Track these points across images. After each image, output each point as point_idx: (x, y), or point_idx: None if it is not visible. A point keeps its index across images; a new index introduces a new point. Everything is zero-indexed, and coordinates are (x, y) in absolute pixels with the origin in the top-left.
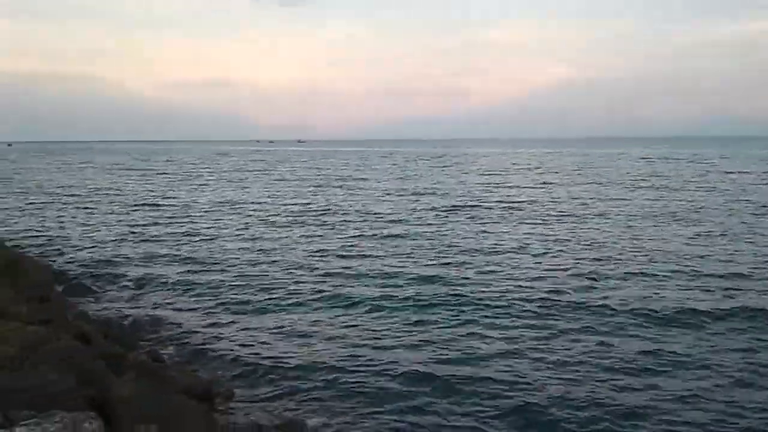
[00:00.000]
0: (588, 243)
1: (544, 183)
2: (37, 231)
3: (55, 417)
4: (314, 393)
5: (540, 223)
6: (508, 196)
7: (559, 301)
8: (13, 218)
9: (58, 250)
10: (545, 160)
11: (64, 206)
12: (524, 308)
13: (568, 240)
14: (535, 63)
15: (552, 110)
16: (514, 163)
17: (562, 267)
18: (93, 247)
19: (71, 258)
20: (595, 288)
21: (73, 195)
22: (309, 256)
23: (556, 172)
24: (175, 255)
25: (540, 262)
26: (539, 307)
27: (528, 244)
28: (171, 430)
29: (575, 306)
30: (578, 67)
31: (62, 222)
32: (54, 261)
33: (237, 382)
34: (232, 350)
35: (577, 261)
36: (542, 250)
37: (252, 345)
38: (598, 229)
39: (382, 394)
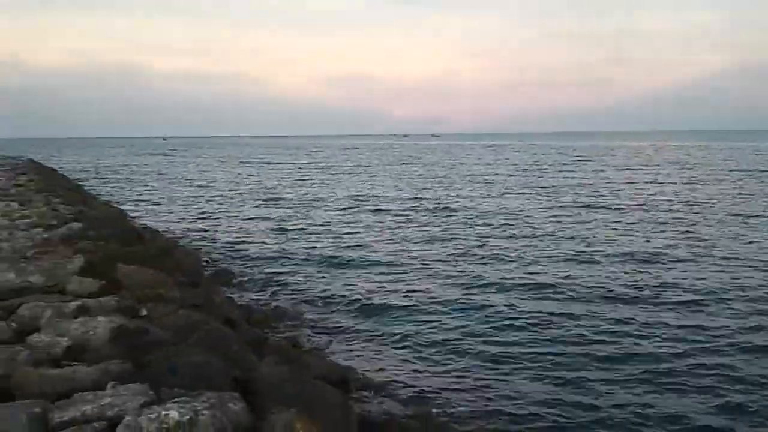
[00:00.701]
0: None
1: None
2: (187, 221)
3: (202, 396)
4: (446, 392)
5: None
6: (654, 194)
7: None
8: (165, 209)
9: (206, 238)
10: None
11: (212, 198)
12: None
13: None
14: (688, 50)
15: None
16: (665, 159)
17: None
18: (237, 236)
19: (218, 246)
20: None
21: (217, 187)
22: (447, 254)
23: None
24: (314, 248)
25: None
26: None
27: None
28: (309, 414)
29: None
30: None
31: (210, 213)
32: (201, 248)
33: (372, 372)
34: (369, 342)
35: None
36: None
37: (389, 339)
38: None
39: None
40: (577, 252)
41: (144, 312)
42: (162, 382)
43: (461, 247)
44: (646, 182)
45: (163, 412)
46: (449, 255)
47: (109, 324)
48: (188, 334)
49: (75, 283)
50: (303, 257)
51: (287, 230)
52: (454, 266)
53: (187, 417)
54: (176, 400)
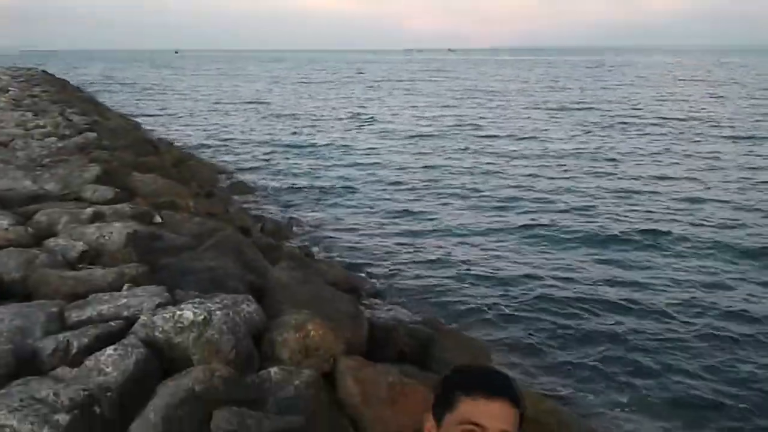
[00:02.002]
0: None
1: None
2: (202, 134)
3: (216, 298)
4: (460, 303)
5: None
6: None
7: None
8: (181, 122)
9: (221, 151)
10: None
11: (227, 112)
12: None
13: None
14: None
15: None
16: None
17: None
18: (251, 149)
19: (232, 158)
20: None
21: (232, 101)
22: (462, 171)
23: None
24: (329, 164)
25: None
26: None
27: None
28: (321, 316)
29: None
30: None
31: (225, 126)
32: (216, 161)
33: (382, 281)
34: (382, 253)
35: None
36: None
37: (402, 251)
38: None
39: (528, 317)
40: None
41: (158, 219)
42: (177, 285)
43: (477, 164)
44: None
45: (178, 312)
46: (470, 172)
47: (125, 229)
48: (203, 240)
49: (90, 191)
50: (318, 173)
51: (303, 146)
52: (477, 185)
53: (202, 317)
54: (191, 301)
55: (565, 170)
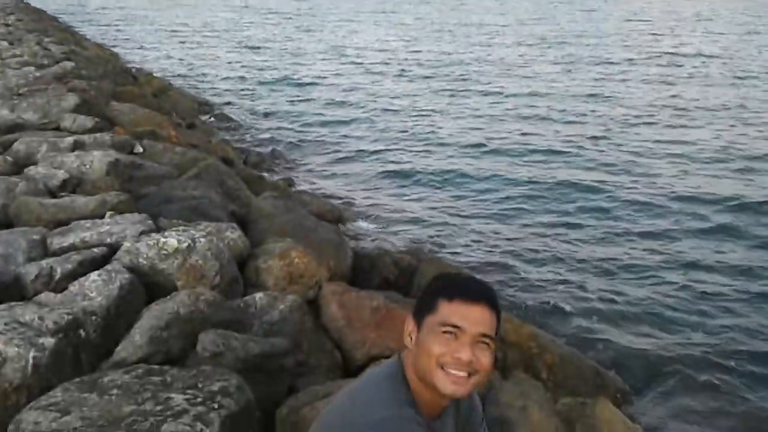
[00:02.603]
0: None
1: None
2: (179, 65)
3: (200, 225)
4: (443, 234)
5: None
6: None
7: None
8: (157, 52)
9: (203, 82)
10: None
11: (203, 43)
12: None
13: None
14: None
15: None
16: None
17: None
18: (231, 82)
19: (212, 90)
20: None
21: (208, 32)
22: (449, 108)
23: None
24: (311, 98)
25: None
26: None
27: None
28: (305, 245)
29: None
30: None
31: (204, 57)
32: (196, 91)
33: (367, 213)
34: (366, 186)
35: None
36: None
37: (386, 181)
38: None
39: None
40: None
41: (139, 148)
42: (159, 214)
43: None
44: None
45: (162, 239)
46: (458, 109)
47: (105, 158)
48: (185, 170)
49: (69, 121)
50: (301, 107)
51: (285, 80)
52: (463, 123)
53: (186, 243)
54: (174, 229)
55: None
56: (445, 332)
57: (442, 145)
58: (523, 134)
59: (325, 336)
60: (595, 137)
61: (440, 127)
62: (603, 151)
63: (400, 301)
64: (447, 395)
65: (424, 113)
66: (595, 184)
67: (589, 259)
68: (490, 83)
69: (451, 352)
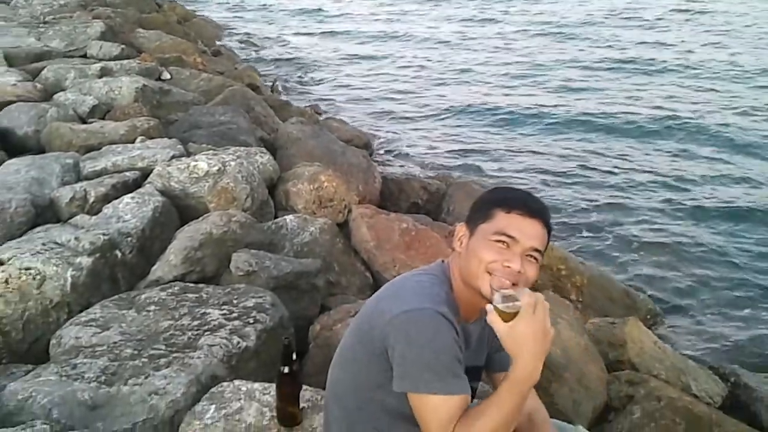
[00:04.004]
0: None
1: None
2: None
3: (230, 149)
4: (471, 159)
5: None
6: None
7: None
8: None
9: (228, 8)
10: None
11: None
12: None
13: None
14: None
15: None
16: None
17: None
18: (253, 11)
19: (240, 17)
20: None
21: None
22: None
23: None
24: (339, 28)
25: None
26: None
27: None
28: (333, 169)
29: None
30: None
31: None
32: (220, 18)
33: (394, 140)
34: (393, 114)
35: None
36: None
37: (414, 114)
38: None
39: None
40: None
41: (166, 75)
42: (188, 140)
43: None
44: None
45: (193, 163)
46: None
47: (133, 84)
48: (211, 96)
49: (95, 48)
50: (328, 37)
51: (312, 10)
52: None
53: (216, 167)
54: (204, 153)
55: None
56: (498, 241)
57: (473, 79)
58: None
59: (356, 257)
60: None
61: (472, 61)
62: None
63: (429, 224)
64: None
65: (455, 46)
66: (624, 117)
67: (623, 184)
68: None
69: (502, 260)
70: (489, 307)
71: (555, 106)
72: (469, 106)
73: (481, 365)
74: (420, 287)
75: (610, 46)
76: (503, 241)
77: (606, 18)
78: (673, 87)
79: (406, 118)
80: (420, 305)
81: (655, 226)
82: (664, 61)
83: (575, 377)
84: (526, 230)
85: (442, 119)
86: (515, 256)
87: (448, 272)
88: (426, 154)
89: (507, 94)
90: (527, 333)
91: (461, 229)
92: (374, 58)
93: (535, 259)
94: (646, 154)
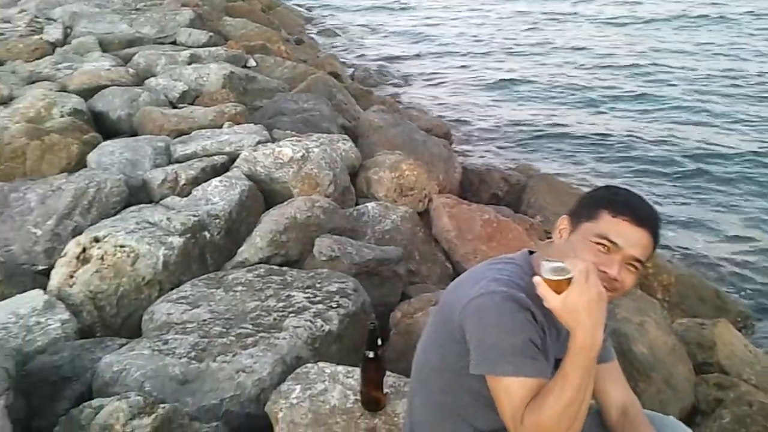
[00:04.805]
0: None
1: None
2: None
3: (313, 136)
4: (553, 153)
5: None
6: None
7: None
8: None
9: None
10: None
11: None
12: None
13: None
14: None
15: None
16: None
17: None
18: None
19: (323, 4)
20: None
21: None
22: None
23: None
24: (413, 13)
25: None
26: None
27: None
28: (414, 158)
29: None
30: None
31: None
32: (305, 9)
33: (474, 130)
34: (474, 105)
35: None
36: None
37: (497, 105)
38: None
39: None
40: None
41: (252, 62)
42: (272, 126)
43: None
44: None
45: (278, 149)
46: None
47: (221, 71)
48: (295, 84)
49: (184, 35)
50: (406, 24)
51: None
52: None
53: (300, 153)
54: (288, 139)
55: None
56: (599, 243)
57: (559, 70)
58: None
59: (436, 246)
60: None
61: (553, 43)
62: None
63: (511, 215)
64: None
65: (535, 28)
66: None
67: (720, 178)
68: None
69: (599, 263)
70: (537, 279)
71: (651, 93)
72: (552, 98)
73: None
74: (498, 273)
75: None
76: (604, 245)
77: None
78: None
79: (487, 108)
80: (495, 289)
81: (751, 225)
82: None
83: (662, 377)
84: (631, 238)
85: (524, 110)
86: (614, 262)
87: (533, 262)
88: (506, 144)
89: (596, 87)
90: (582, 302)
91: (563, 221)
92: (454, 50)
93: (635, 268)
94: (750, 149)
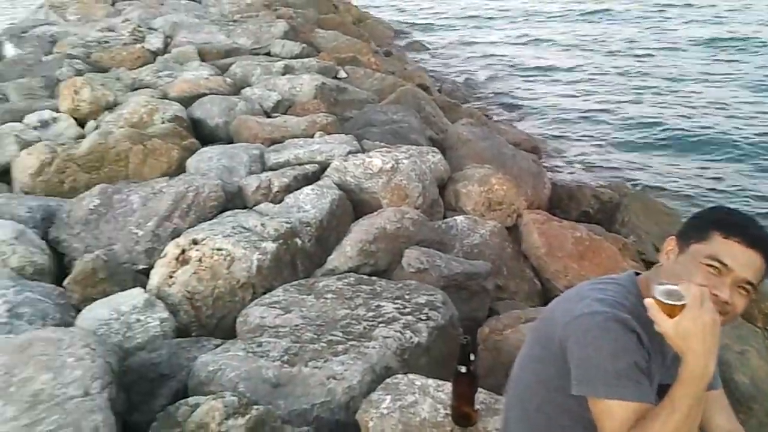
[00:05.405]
0: None
1: None
2: None
3: (402, 148)
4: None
5: None
6: None
7: None
8: None
9: (397, 11)
10: None
11: None
12: None
13: None
14: None
15: None
16: None
17: None
18: (425, 10)
19: (408, 17)
20: None
21: None
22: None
23: None
24: (498, 30)
25: None
26: None
27: None
28: (503, 170)
29: None
30: None
31: None
32: (390, 19)
33: (564, 146)
34: (565, 119)
35: None
36: None
37: (592, 118)
38: None
39: None
40: None
41: (343, 74)
42: (362, 136)
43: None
44: None
45: (367, 159)
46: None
47: (313, 82)
48: (384, 95)
49: (278, 46)
50: (493, 35)
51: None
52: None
53: (390, 164)
54: (378, 150)
55: None
56: (709, 265)
57: (651, 87)
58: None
59: (525, 263)
60: None
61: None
62: None
63: (603, 234)
64: None
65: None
66: None
67: None
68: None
69: (710, 286)
70: (649, 301)
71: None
72: (647, 115)
73: None
74: (602, 293)
75: None
76: (715, 267)
77: None
78: None
79: (576, 123)
80: (600, 309)
81: None
82: None
83: (765, 409)
84: (743, 260)
85: (616, 127)
86: (725, 285)
87: (640, 284)
88: (597, 161)
89: (696, 106)
90: (696, 328)
91: (671, 242)
92: (545, 66)
93: (747, 291)
94: None
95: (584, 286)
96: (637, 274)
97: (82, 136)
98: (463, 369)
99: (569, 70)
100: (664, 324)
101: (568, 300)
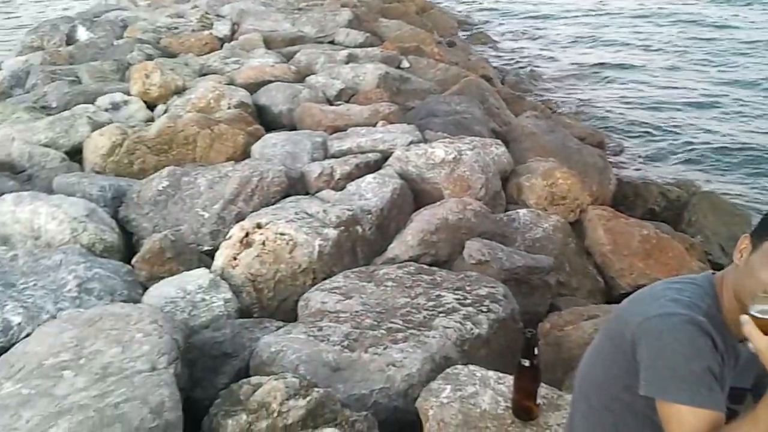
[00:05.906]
0: None
1: None
2: None
3: (465, 139)
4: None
5: None
6: None
7: None
8: None
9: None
10: None
11: None
12: None
13: None
14: None
15: None
16: None
17: None
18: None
19: (472, 8)
20: None
21: None
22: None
23: None
24: (555, 27)
25: None
26: None
27: None
28: (567, 165)
29: None
30: None
31: None
32: (457, 10)
33: (629, 142)
34: (633, 117)
35: None
36: None
37: (657, 117)
38: None
39: None
40: None
41: (406, 63)
42: (424, 126)
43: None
44: None
45: (430, 149)
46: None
47: (376, 71)
48: (447, 86)
49: (342, 35)
50: (559, 29)
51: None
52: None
53: (452, 155)
54: (441, 140)
55: None
56: None
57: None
58: None
59: (588, 259)
60: None
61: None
62: None
63: (671, 233)
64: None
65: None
66: None
67: None
68: None
69: None
70: (744, 317)
71: None
72: (716, 107)
73: (747, 387)
74: (679, 294)
75: None
76: None
77: None
78: None
79: (643, 120)
80: (675, 311)
81: None
82: None
83: None
84: None
85: (684, 124)
86: None
87: (716, 285)
88: (664, 158)
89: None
90: None
91: (744, 240)
92: (614, 63)
93: None
94: None
95: (659, 286)
96: (714, 272)
97: (152, 119)
98: (527, 362)
99: (640, 69)
100: (760, 341)
101: (642, 299)
